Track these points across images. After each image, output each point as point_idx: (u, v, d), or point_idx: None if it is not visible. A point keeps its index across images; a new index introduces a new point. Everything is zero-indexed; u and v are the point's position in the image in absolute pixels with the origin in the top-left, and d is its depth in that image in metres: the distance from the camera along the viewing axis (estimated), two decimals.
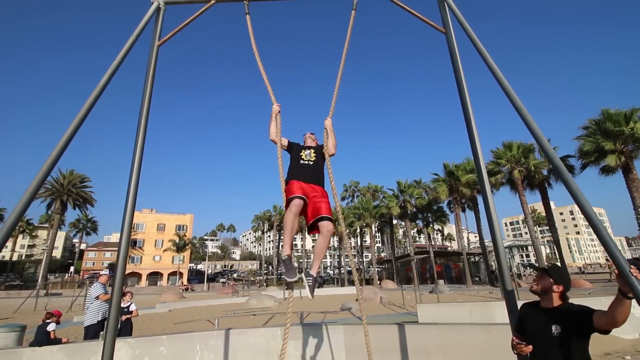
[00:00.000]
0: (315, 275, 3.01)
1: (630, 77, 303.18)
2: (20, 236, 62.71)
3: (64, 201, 43.29)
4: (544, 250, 71.31)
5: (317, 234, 3.18)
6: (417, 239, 67.06)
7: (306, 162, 3.37)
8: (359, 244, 53.68)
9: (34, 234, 64.13)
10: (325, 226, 3.07)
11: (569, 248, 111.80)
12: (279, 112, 3.69)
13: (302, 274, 3.08)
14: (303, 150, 3.49)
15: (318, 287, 39.57)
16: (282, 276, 3.40)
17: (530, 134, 3.35)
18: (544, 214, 71.69)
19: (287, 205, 3.04)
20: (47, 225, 56.65)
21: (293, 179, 3.26)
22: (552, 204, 28.86)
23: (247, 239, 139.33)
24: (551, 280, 2.06)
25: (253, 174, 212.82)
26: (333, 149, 3.55)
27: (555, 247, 27.20)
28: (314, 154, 3.44)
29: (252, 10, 4.09)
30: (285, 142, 3.61)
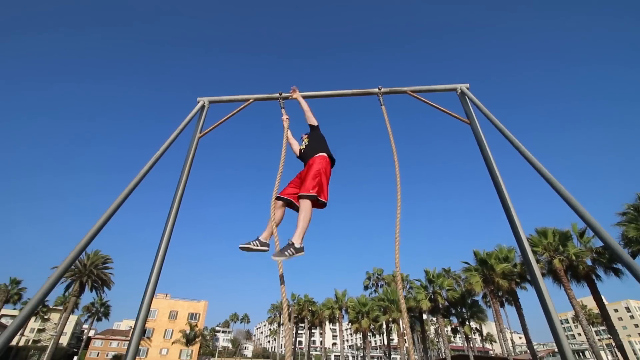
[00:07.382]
0: (291, 242, 3.12)
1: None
2: (33, 319, 60.56)
3: (83, 283, 42.47)
4: (605, 357, 60.16)
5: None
6: (452, 339, 59.25)
7: (303, 149, 4.09)
8: (385, 342, 47.84)
9: (46, 317, 61.86)
10: (300, 202, 3.38)
11: (635, 354, 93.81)
12: (287, 122, 4.44)
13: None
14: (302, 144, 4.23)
15: None
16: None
17: (579, 218, 3.09)
18: (595, 310, 62.33)
19: None
20: (61, 307, 55.16)
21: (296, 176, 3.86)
22: (603, 298, 25.34)
23: (262, 332, 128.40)
24: None
25: (274, 263, 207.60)
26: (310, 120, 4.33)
27: (618, 353, 22.89)
28: (307, 139, 4.17)
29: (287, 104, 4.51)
30: (298, 151, 4.27)
